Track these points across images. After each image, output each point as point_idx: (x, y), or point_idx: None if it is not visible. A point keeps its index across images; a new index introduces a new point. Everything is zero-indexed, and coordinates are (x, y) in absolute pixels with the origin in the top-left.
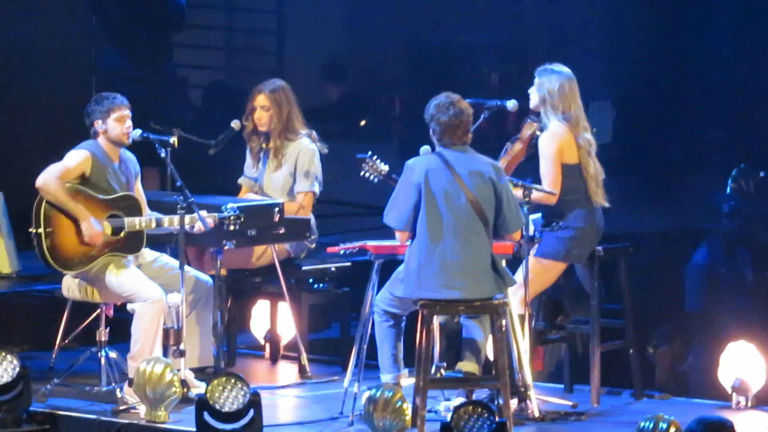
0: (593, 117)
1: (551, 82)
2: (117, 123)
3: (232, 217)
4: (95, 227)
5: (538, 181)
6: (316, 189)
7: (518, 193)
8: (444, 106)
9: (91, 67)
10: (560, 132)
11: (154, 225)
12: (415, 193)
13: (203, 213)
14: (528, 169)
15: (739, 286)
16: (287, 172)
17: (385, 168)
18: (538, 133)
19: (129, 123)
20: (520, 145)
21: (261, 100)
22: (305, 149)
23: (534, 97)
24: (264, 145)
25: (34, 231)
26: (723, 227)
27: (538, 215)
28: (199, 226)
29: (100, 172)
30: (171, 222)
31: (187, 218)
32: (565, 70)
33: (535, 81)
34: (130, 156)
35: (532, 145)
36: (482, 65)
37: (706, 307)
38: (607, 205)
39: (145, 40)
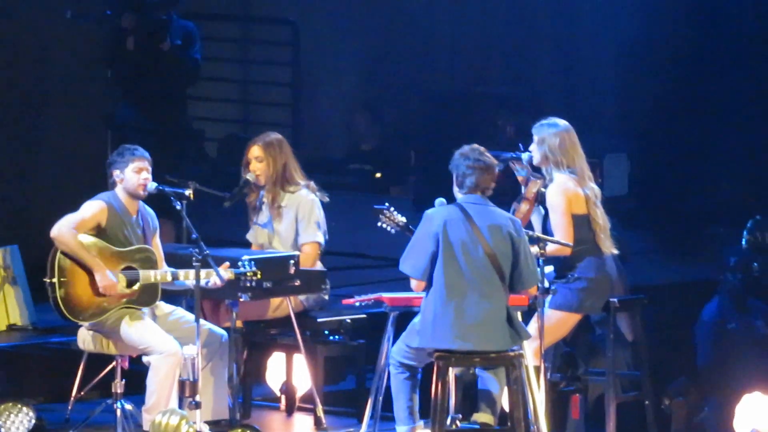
0: (608, 169)
1: (551, 139)
2: (134, 174)
3: (249, 274)
4: (110, 278)
5: (547, 234)
6: (320, 239)
7: (534, 249)
8: (472, 154)
9: (107, 120)
10: (567, 184)
11: (169, 278)
12: (433, 243)
13: (221, 268)
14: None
15: (751, 339)
16: (289, 224)
17: (402, 219)
18: (542, 189)
19: (146, 175)
20: (526, 205)
21: (255, 151)
22: (305, 200)
23: (536, 154)
24: (265, 200)
25: (48, 281)
26: (730, 281)
27: (551, 268)
28: (214, 281)
29: (117, 223)
30: (187, 276)
31: (204, 273)
32: (562, 123)
33: (535, 138)
34: (149, 211)
35: (538, 201)
36: (497, 117)
37: (717, 361)
38: (615, 252)
39: (159, 94)
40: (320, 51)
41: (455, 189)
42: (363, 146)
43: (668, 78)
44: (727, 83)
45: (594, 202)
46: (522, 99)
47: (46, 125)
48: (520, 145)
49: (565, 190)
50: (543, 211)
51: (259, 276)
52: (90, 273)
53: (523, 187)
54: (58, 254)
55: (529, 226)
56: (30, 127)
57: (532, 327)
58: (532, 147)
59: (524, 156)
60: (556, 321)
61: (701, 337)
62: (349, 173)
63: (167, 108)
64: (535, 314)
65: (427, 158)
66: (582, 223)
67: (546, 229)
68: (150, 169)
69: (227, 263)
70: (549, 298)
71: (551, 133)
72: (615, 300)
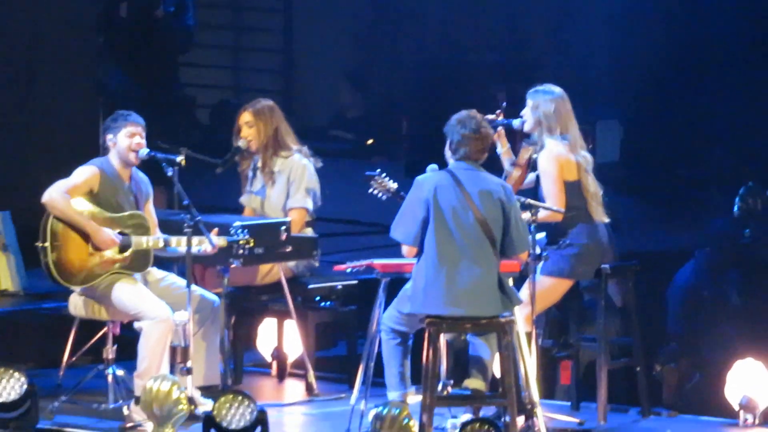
0: (600, 136)
1: (546, 105)
2: (127, 138)
3: (242, 241)
4: (106, 233)
5: (539, 200)
6: (309, 205)
7: (525, 215)
8: (467, 119)
9: (98, 87)
10: (559, 150)
11: (161, 245)
12: (424, 209)
13: (213, 233)
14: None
15: (723, 309)
16: (281, 188)
17: (393, 185)
18: (534, 155)
19: (139, 140)
20: (518, 171)
21: (245, 117)
22: (297, 164)
23: (529, 120)
24: (258, 165)
25: (40, 245)
26: (709, 249)
27: (543, 234)
28: (206, 248)
29: (109, 189)
30: (179, 243)
31: (196, 240)
32: (557, 90)
33: (528, 103)
34: (142, 177)
35: (531, 168)
36: (489, 85)
37: (687, 328)
38: (607, 220)
39: (152, 61)
40: (312, 17)
41: (447, 153)
42: (348, 114)
43: (661, 45)
44: (721, 49)
45: (586, 170)
46: (515, 66)
47: (39, 92)
48: (503, 104)
49: (557, 156)
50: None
51: (251, 244)
52: (82, 237)
53: (502, 157)
54: (51, 219)
55: (522, 192)
56: (22, 93)
57: (524, 293)
58: (525, 112)
59: (516, 122)
60: (548, 287)
61: (673, 302)
62: (339, 141)
63: (160, 75)
64: (527, 280)
65: (420, 126)
66: (574, 190)
67: (538, 195)
68: (143, 134)
69: (216, 229)
70: (540, 264)
71: (546, 99)
72: (606, 267)
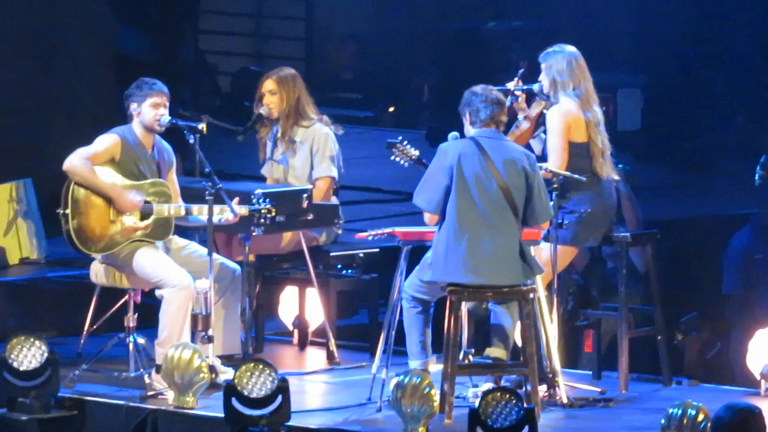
0: (621, 103)
1: (558, 62)
2: (151, 108)
3: (263, 210)
4: (131, 196)
5: (543, 156)
6: (334, 173)
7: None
8: (483, 91)
9: (117, 54)
10: (569, 108)
11: (183, 213)
12: (447, 176)
13: (234, 203)
14: None
15: None
16: (304, 158)
17: (415, 153)
18: (545, 111)
19: (163, 111)
20: (527, 124)
21: (268, 84)
22: (319, 134)
23: (545, 81)
24: (279, 134)
25: (61, 212)
26: (763, 214)
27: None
28: (227, 216)
29: (131, 157)
30: (201, 211)
31: (217, 209)
32: (570, 48)
33: (542, 66)
34: (166, 146)
35: (540, 123)
36: (511, 52)
37: (742, 291)
38: (615, 177)
39: (172, 26)
40: None
41: (467, 127)
42: (368, 82)
43: (683, 13)
44: (744, 17)
45: (595, 125)
46: (535, 33)
47: (59, 61)
48: (519, 71)
49: (566, 114)
50: (544, 137)
51: (273, 213)
52: (104, 205)
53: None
54: (72, 185)
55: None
56: (42, 61)
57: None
58: (542, 76)
59: (535, 87)
60: (552, 255)
61: (728, 264)
62: (360, 108)
63: (179, 41)
64: (539, 246)
65: (441, 93)
66: (581, 151)
67: (544, 153)
68: (167, 104)
69: (237, 198)
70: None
71: (558, 57)
72: (627, 234)
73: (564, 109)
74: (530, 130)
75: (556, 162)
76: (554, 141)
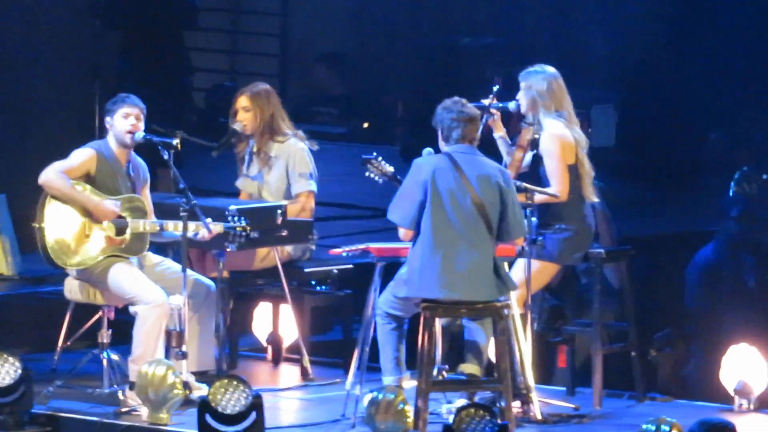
0: (596, 120)
1: (539, 83)
2: (122, 119)
3: (238, 228)
4: (108, 205)
5: (537, 182)
6: (314, 187)
7: (521, 198)
8: (455, 106)
9: (95, 70)
10: (561, 131)
11: (158, 229)
12: (422, 192)
13: (209, 220)
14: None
15: (742, 289)
16: (279, 174)
17: (390, 169)
18: (536, 136)
19: (134, 122)
20: (520, 153)
21: (242, 101)
22: (295, 149)
23: (523, 101)
24: (254, 150)
25: (36, 226)
26: (729, 230)
27: (534, 218)
28: (203, 233)
29: (106, 172)
30: (176, 227)
31: (192, 225)
32: (549, 68)
33: (522, 85)
34: (140, 162)
35: (531, 149)
36: (485, 68)
37: (706, 306)
38: (596, 199)
39: (149, 43)
40: (309, 1)
41: (441, 143)
42: (343, 98)
43: (657, 29)
44: (716, 34)
45: (582, 147)
46: (510, 50)
47: (35, 75)
48: (494, 87)
49: (561, 137)
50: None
51: (248, 230)
52: (79, 219)
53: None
54: (48, 200)
55: (523, 177)
56: (19, 77)
57: (514, 275)
58: (519, 95)
59: (511, 105)
60: (534, 270)
61: (692, 280)
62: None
63: (156, 58)
64: (516, 263)
65: (415, 109)
66: (572, 173)
67: (538, 174)
68: (141, 117)
69: (210, 219)
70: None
71: (538, 78)
72: (602, 251)
73: (559, 132)
74: (523, 159)
75: (559, 186)
76: (555, 165)
